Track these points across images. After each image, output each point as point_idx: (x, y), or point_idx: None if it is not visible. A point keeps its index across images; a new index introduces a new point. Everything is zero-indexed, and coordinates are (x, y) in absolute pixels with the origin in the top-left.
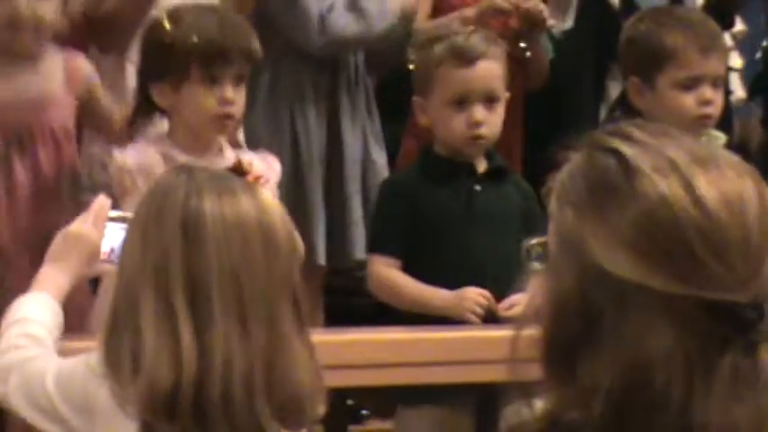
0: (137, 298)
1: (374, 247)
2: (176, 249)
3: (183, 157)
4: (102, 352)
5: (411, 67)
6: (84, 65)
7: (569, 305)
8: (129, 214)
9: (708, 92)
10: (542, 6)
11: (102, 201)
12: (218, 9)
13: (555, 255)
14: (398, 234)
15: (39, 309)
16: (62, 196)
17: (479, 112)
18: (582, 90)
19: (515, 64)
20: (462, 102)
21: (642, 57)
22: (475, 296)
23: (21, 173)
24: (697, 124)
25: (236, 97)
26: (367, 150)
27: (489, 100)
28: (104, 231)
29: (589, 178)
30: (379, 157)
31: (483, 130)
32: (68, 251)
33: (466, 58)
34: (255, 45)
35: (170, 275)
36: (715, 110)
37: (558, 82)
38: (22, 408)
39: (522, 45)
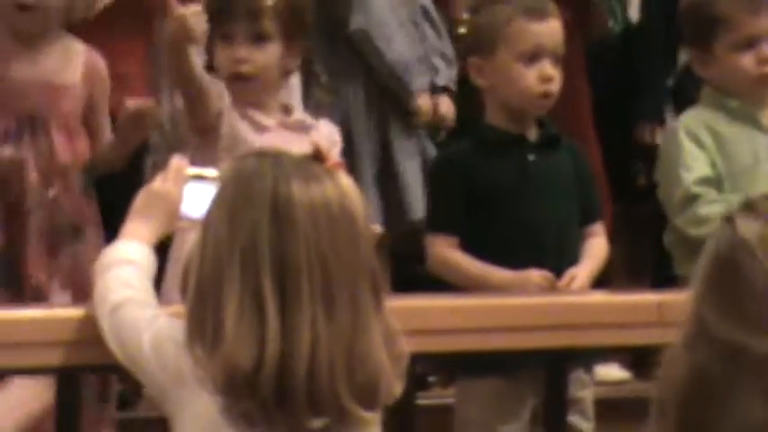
0: (222, 277)
1: (432, 226)
2: (265, 232)
3: (254, 113)
4: (186, 326)
5: (462, 31)
6: (102, 67)
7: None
8: (206, 172)
9: (767, 49)
10: None
11: (179, 159)
12: None
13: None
14: (455, 211)
15: (133, 253)
16: (75, 187)
17: (550, 67)
18: (653, 58)
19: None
20: (534, 57)
21: (696, 28)
22: (538, 279)
23: (30, 157)
24: (760, 84)
25: (252, 56)
26: None
27: (555, 58)
28: (183, 189)
29: (711, 253)
30: None
31: (552, 87)
32: (151, 208)
33: (539, 13)
34: (266, 2)
35: (259, 257)
36: None
37: (629, 51)
38: (113, 348)
39: None
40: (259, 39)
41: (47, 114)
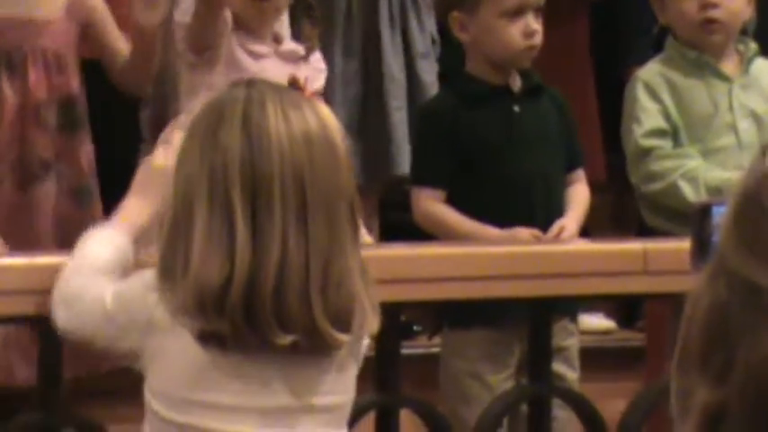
0: (192, 200)
1: (418, 179)
2: (237, 148)
3: (249, 42)
4: (159, 265)
5: None
6: None
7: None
8: None
9: None
10: None
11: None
12: None
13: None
14: (441, 164)
15: (103, 248)
16: (48, 123)
17: (533, 21)
18: (638, 4)
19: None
20: (517, 12)
21: None
22: (526, 236)
23: (8, 93)
24: (703, 29)
25: None
26: (412, 67)
27: (538, 10)
28: None
29: (741, 185)
30: (427, 75)
31: (536, 40)
32: (153, 185)
33: None
34: None
35: (229, 172)
36: (723, 13)
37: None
38: (61, 319)
39: None
40: None
41: (24, 50)
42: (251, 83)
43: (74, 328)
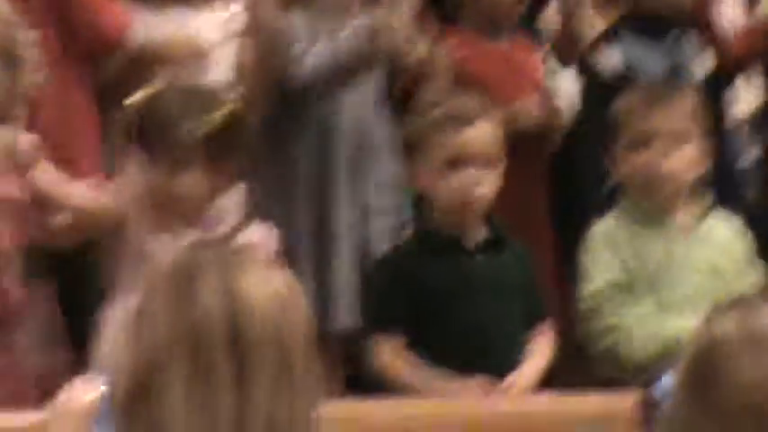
0: (162, 362)
1: (376, 326)
2: (218, 311)
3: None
4: None
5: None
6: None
7: None
8: None
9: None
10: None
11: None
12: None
13: None
14: (400, 312)
15: None
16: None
17: (474, 173)
18: (592, 160)
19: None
20: (457, 163)
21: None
22: (480, 388)
23: None
24: (652, 186)
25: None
26: (365, 217)
27: (485, 161)
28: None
29: (689, 355)
30: (378, 223)
31: (478, 191)
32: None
33: (464, 119)
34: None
35: (212, 334)
36: (671, 169)
37: (568, 153)
38: None
39: None
40: (177, 167)
41: None
42: (212, 242)
43: None
